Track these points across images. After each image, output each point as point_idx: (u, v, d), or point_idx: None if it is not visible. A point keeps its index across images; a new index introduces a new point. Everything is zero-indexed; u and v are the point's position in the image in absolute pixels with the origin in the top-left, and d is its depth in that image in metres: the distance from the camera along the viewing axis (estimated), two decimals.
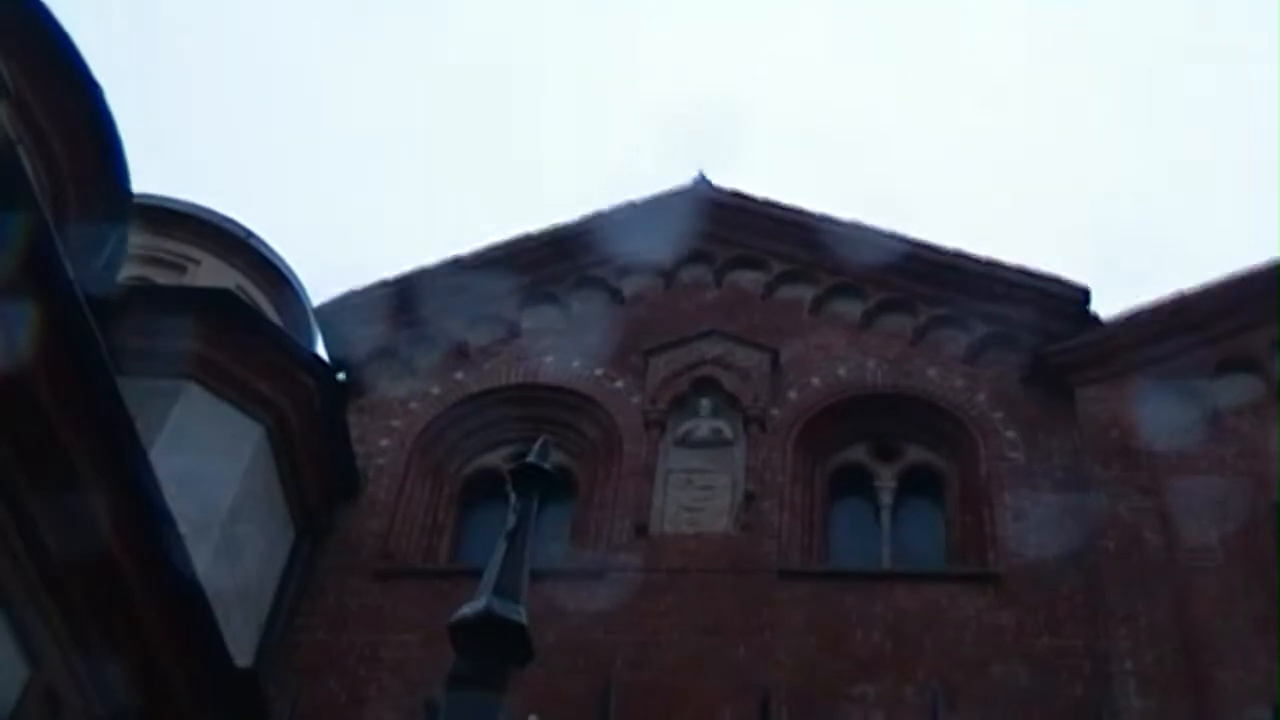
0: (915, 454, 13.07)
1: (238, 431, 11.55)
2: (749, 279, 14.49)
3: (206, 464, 10.66)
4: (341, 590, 12.14)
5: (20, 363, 7.09)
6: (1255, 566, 10.95)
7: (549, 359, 13.90)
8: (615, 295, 14.49)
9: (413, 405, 13.66)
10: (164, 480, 8.15)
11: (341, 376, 13.56)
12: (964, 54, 36.78)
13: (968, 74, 38.36)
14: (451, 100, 40.05)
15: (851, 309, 14.01)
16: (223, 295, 12.58)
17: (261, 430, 11.71)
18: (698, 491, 12.57)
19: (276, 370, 11.90)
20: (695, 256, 14.67)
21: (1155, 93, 37.55)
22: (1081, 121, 36.98)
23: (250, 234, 16.44)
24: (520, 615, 4.61)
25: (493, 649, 4.57)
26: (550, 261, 14.65)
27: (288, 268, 16.55)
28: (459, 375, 13.93)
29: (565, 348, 13.95)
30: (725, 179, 15.40)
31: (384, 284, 14.34)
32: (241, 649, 10.07)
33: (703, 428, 13.09)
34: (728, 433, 13.02)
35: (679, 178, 15.25)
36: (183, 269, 15.83)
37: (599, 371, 13.66)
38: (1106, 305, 13.27)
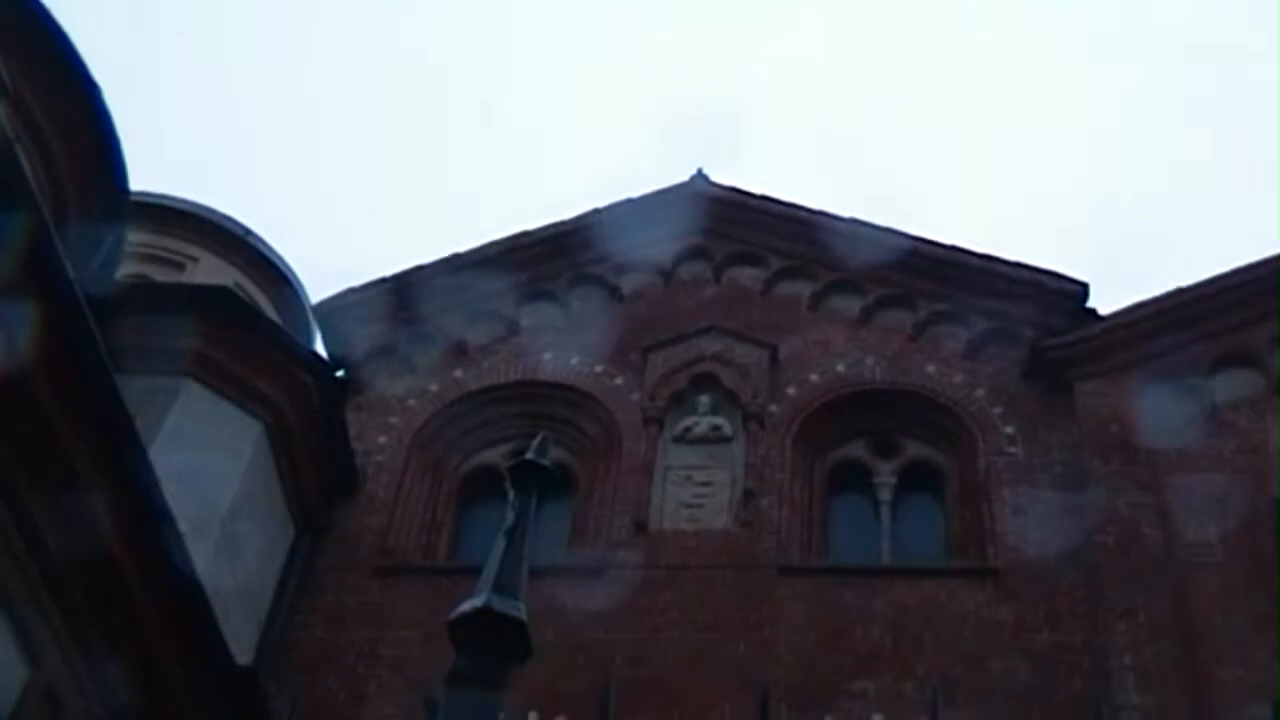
0: (914, 450, 13.06)
1: (237, 429, 11.55)
2: (748, 275, 14.48)
3: (206, 462, 10.66)
4: (341, 588, 12.13)
5: (20, 362, 7.09)
6: (1254, 562, 10.93)
7: (548, 356, 13.89)
8: (614, 292, 14.48)
9: (411, 403, 13.65)
10: (163, 478, 8.15)
11: (340, 374, 13.55)
12: (964, 53, 36.81)
13: (968, 73, 38.38)
14: (451, 98, 40.04)
15: (850, 305, 14.00)
16: (221, 293, 12.56)
17: (261, 428, 11.71)
18: (697, 488, 12.56)
19: (275, 368, 11.89)
20: (694, 253, 14.66)
21: (1155, 92, 37.56)
22: (1081, 120, 36.99)
23: (249, 232, 16.44)
24: (520, 612, 4.59)
25: (492, 646, 4.56)
26: (549, 259, 14.64)
27: (286, 265, 16.56)
28: (458, 373, 13.92)
29: (564, 345, 13.94)
30: (725, 177, 15.38)
31: (382, 281, 14.33)
32: (241, 647, 10.06)
33: (702, 424, 13.08)
34: (727, 429, 13.01)
35: (679, 176, 15.24)
36: (181, 267, 15.84)
37: (598, 368, 13.65)
38: (1106, 305, 13.26)
